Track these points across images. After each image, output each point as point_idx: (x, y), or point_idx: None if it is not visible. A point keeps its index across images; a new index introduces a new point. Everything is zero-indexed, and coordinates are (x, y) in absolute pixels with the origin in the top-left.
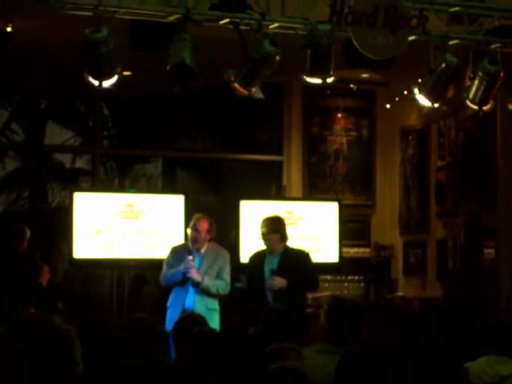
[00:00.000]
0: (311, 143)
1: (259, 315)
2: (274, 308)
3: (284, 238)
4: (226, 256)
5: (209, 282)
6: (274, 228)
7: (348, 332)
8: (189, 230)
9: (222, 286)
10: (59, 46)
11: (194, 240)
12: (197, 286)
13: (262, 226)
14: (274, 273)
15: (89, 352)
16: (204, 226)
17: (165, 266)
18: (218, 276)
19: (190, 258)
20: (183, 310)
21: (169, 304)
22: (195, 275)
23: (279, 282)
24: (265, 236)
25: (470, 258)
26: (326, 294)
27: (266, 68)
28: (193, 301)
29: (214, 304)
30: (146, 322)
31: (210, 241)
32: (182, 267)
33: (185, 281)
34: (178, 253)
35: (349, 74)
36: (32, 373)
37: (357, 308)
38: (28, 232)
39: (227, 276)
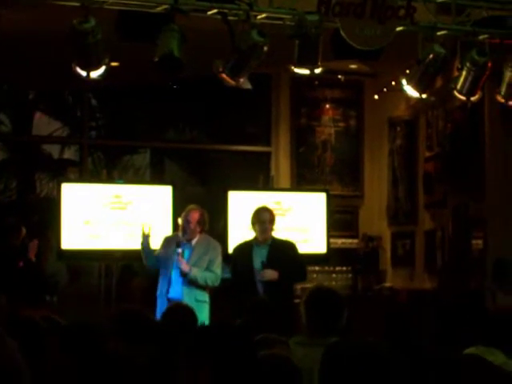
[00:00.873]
0: (299, 134)
1: (245, 307)
2: (260, 300)
3: (273, 229)
4: (218, 248)
5: (197, 273)
6: (271, 218)
7: (327, 323)
8: (180, 220)
9: (212, 277)
10: (47, 36)
11: (184, 230)
12: (184, 276)
13: (262, 217)
14: (264, 265)
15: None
16: (195, 216)
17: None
18: (208, 268)
19: (179, 250)
20: (168, 300)
21: (157, 293)
22: (184, 266)
23: (270, 273)
24: (263, 225)
25: (458, 249)
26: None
27: (254, 59)
28: (179, 291)
29: (204, 296)
30: (137, 313)
31: (201, 232)
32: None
33: (167, 269)
34: (168, 242)
35: (337, 65)
36: None
37: (336, 298)
38: (24, 230)
39: (217, 268)
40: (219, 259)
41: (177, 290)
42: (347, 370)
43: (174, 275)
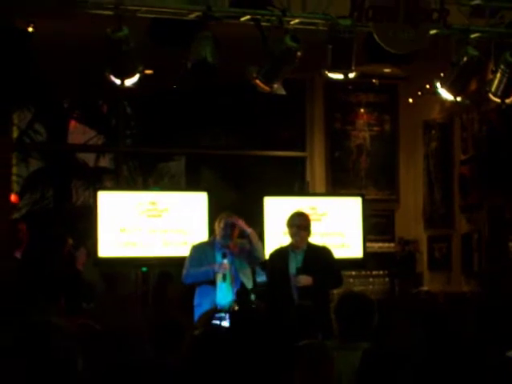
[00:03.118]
0: (334, 139)
1: (287, 311)
2: (304, 304)
3: (309, 234)
4: (246, 245)
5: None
6: (306, 224)
7: (356, 328)
8: (221, 226)
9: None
10: (81, 45)
11: (225, 235)
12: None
13: (294, 222)
14: (299, 270)
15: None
16: (236, 221)
17: (188, 264)
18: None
19: (225, 262)
20: (216, 307)
21: (196, 302)
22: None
23: (305, 279)
24: (297, 232)
25: (495, 252)
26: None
27: (288, 64)
28: (228, 299)
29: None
30: (175, 322)
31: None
32: (216, 268)
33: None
34: (202, 250)
35: (370, 69)
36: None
37: (365, 303)
38: (70, 240)
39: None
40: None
41: (225, 298)
42: (383, 375)
43: (220, 284)
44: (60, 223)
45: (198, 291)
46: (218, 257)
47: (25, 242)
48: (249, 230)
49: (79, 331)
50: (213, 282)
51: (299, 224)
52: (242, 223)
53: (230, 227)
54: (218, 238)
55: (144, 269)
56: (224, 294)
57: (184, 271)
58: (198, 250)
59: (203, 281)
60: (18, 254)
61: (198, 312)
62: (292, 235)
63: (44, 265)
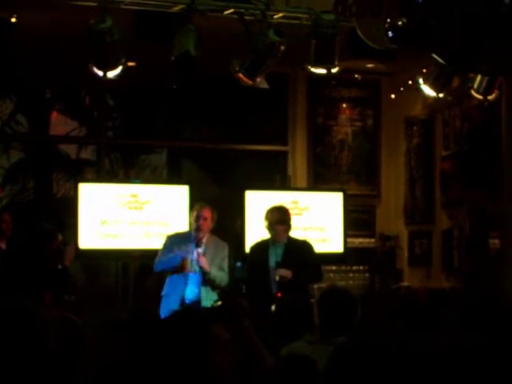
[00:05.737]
0: (316, 133)
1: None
2: (286, 299)
3: (289, 228)
4: (226, 248)
5: (215, 273)
6: (282, 218)
7: (338, 322)
8: (192, 218)
9: (224, 278)
10: (63, 36)
11: (200, 228)
12: (204, 275)
13: (269, 216)
14: (279, 264)
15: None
16: (209, 213)
17: (160, 253)
18: (219, 267)
19: (200, 250)
20: (183, 301)
21: (165, 292)
22: (205, 265)
23: (284, 272)
24: (272, 226)
25: (475, 249)
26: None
27: (271, 58)
28: (196, 292)
29: (215, 297)
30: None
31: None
32: (181, 252)
33: (182, 270)
34: (177, 241)
35: (353, 64)
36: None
37: (348, 298)
38: (60, 236)
39: (226, 268)
40: (227, 259)
41: (193, 291)
42: (354, 370)
43: (191, 275)
44: (43, 215)
45: (167, 281)
46: (193, 249)
47: (9, 233)
48: (208, 269)
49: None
50: (182, 272)
51: (277, 219)
52: (206, 264)
53: (200, 219)
54: (192, 230)
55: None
56: (193, 287)
57: (156, 259)
58: (172, 239)
59: (172, 268)
60: (2, 245)
61: (164, 302)
62: (270, 230)
63: (28, 257)
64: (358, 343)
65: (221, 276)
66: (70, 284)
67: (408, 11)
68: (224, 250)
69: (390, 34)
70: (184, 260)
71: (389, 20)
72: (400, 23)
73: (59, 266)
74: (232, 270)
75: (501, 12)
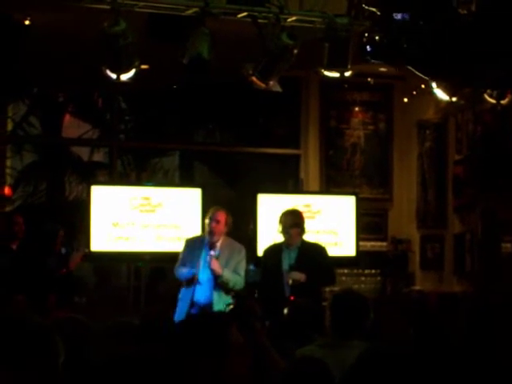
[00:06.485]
0: (328, 137)
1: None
2: (299, 302)
3: (303, 231)
4: (242, 251)
5: (228, 276)
6: (295, 222)
7: (351, 326)
8: (206, 221)
9: (239, 281)
10: (77, 38)
11: (213, 231)
12: (216, 279)
13: (283, 220)
14: (292, 267)
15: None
16: (223, 216)
17: (179, 259)
18: (235, 271)
19: (213, 253)
20: (192, 304)
21: (180, 296)
22: (218, 268)
23: (298, 276)
24: (285, 230)
25: (487, 253)
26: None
27: (284, 61)
28: (208, 296)
29: (229, 300)
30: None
31: (225, 234)
32: (194, 270)
33: (193, 279)
34: (192, 245)
35: (366, 68)
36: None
37: (361, 302)
38: (62, 233)
39: (242, 271)
40: (244, 262)
41: (205, 294)
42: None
43: (202, 278)
44: (55, 218)
45: (182, 287)
46: (205, 254)
47: (21, 235)
48: (220, 272)
49: (65, 324)
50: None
51: (292, 222)
52: (218, 267)
53: (213, 222)
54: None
55: (140, 264)
56: (203, 291)
57: (176, 264)
58: (188, 243)
59: (185, 281)
60: (14, 247)
61: (179, 306)
62: (284, 233)
63: (38, 260)
64: (380, 350)
65: (235, 280)
66: (78, 286)
67: (385, 27)
68: (240, 254)
69: (369, 48)
70: (195, 276)
71: (366, 34)
72: (377, 38)
73: (64, 270)
74: (245, 273)
75: (457, 26)
